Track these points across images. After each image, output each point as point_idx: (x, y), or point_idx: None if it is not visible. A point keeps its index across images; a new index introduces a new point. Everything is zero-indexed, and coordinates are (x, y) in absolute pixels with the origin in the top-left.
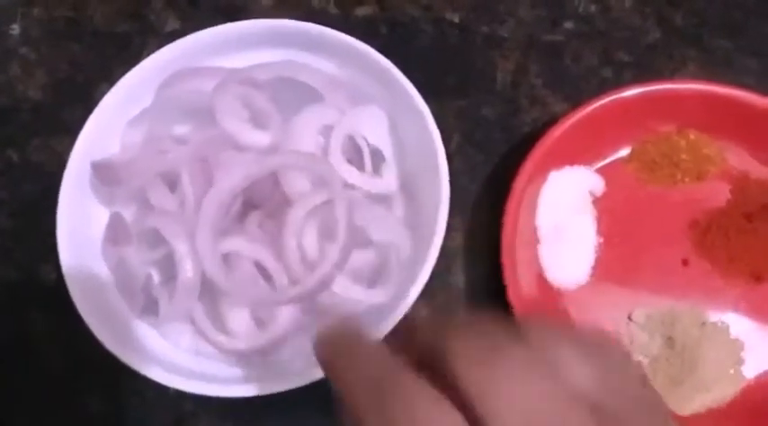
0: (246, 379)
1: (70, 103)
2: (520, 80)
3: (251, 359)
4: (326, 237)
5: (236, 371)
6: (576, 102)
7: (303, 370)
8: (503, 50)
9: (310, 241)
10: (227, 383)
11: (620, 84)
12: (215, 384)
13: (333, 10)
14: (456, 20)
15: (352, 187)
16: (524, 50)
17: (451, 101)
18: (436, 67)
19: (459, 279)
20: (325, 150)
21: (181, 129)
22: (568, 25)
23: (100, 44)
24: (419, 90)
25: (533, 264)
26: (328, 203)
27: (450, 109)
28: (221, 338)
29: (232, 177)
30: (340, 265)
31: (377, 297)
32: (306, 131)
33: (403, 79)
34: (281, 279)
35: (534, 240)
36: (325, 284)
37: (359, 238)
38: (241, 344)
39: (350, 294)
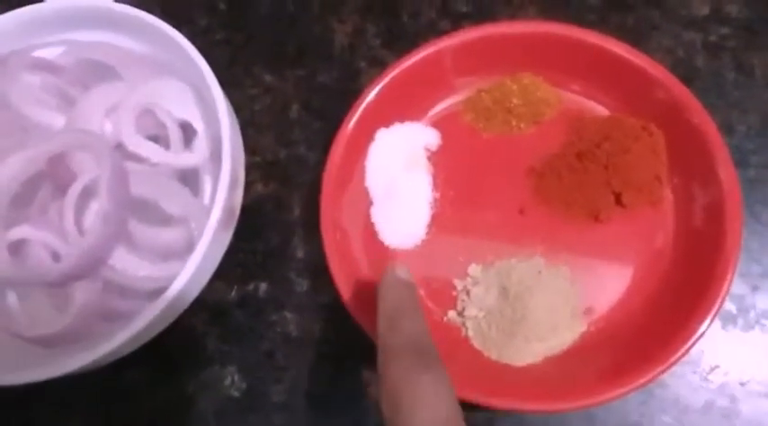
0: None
1: None
2: (358, 43)
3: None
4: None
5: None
6: None
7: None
8: (340, 15)
9: (89, 217)
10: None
11: None
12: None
13: None
14: None
15: (156, 165)
16: (362, 12)
17: (290, 70)
18: (275, 38)
19: (298, 251)
20: (119, 127)
21: None
22: None
23: None
24: (258, 62)
25: (367, 227)
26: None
27: (289, 79)
28: (21, 325)
29: (10, 165)
30: (113, 236)
31: (163, 270)
32: (94, 110)
33: (186, 44)
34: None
35: (368, 202)
36: (94, 257)
37: (155, 214)
38: (41, 330)
39: (128, 267)
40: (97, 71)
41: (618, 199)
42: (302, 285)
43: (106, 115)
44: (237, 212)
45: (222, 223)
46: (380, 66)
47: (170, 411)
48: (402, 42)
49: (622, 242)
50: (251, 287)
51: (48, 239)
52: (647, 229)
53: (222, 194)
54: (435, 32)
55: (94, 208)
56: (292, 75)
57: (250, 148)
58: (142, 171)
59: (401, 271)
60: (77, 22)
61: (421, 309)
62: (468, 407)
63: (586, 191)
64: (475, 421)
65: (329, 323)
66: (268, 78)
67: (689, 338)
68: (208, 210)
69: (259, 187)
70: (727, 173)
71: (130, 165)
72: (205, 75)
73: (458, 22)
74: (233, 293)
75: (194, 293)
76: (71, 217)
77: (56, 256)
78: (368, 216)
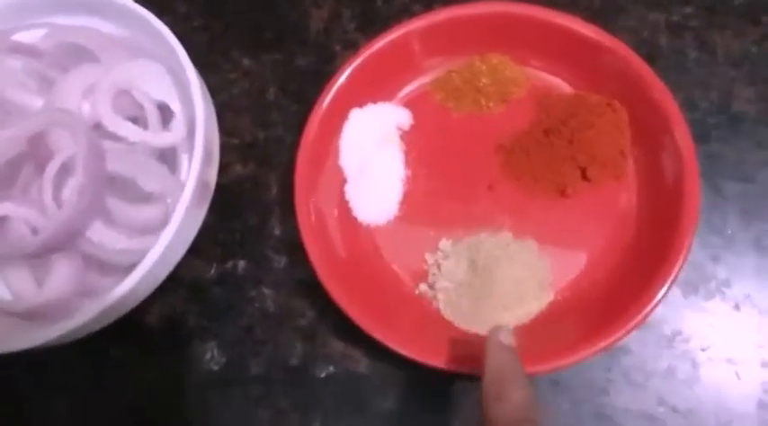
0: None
1: None
2: (333, 27)
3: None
4: None
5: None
6: None
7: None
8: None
9: (67, 192)
10: None
11: None
12: None
13: None
14: None
15: (133, 144)
16: None
17: (267, 54)
18: (253, 23)
19: (275, 229)
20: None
21: None
22: None
23: None
24: (236, 47)
25: (342, 204)
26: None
27: (266, 62)
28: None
29: None
30: (89, 209)
31: (140, 244)
32: (72, 90)
33: (163, 28)
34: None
35: (342, 180)
36: (71, 228)
37: (133, 191)
38: (24, 304)
39: (105, 241)
40: (77, 54)
41: (584, 174)
42: (279, 262)
43: (84, 96)
44: (212, 189)
45: (196, 198)
46: (355, 49)
47: (152, 385)
48: (376, 26)
49: (588, 215)
50: (229, 264)
51: (28, 215)
52: (612, 202)
53: (195, 170)
54: (408, 15)
55: (72, 183)
56: (269, 58)
57: (228, 130)
58: (120, 149)
59: (504, 336)
60: (59, 6)
61: (525, 375)
62: (440, 375)
63: (553, 167)
64: (448, 389)
65: (305, 299)
66: (246, 62)
67: (648, 303)
68: (183, 186)
69: (237, 168)
70: (686, 147)
71: (108, 144)
72: (180, 58)
73: (430, 4)
74: (212, 271)
75: (170, 266)
76: (49, 192)
77: (35, 230)
78: (342, 193)
